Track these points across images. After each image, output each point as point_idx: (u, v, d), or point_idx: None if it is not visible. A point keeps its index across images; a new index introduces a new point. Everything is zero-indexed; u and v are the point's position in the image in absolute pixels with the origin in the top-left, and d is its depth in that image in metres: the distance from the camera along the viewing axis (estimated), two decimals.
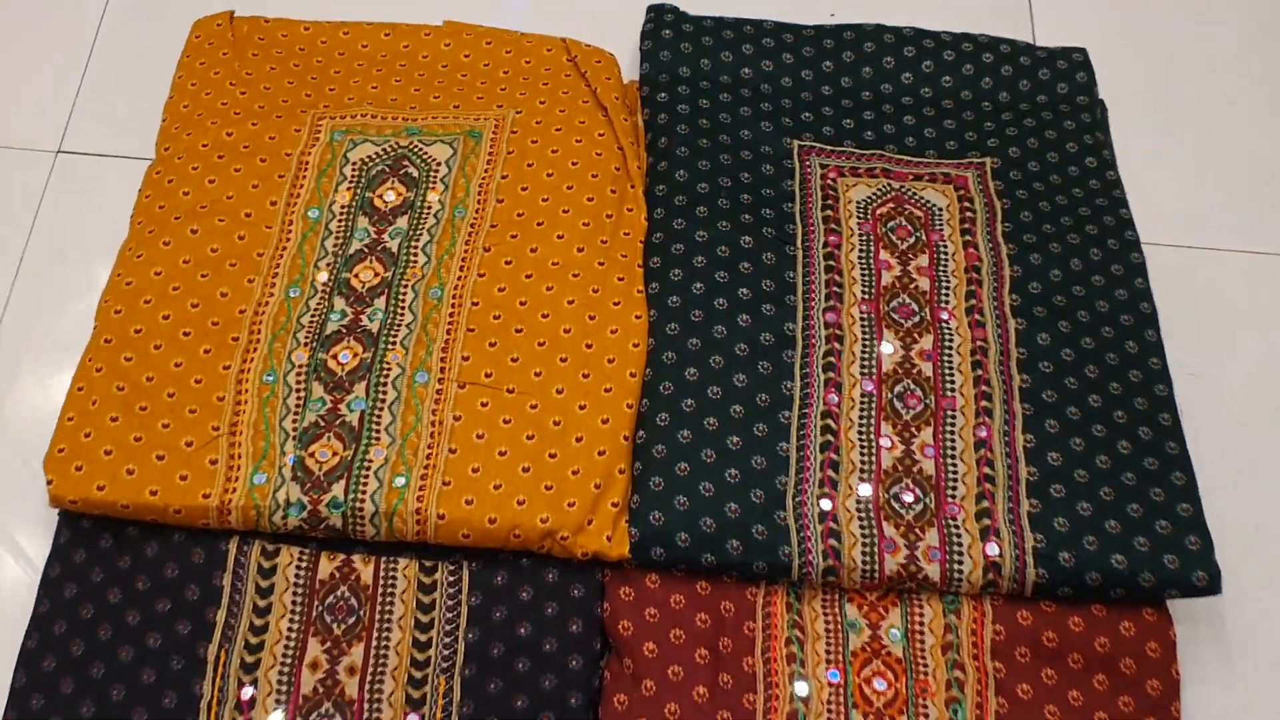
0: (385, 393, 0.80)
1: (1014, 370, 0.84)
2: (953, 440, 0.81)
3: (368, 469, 0.77)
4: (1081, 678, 0.76)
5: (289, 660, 0.74)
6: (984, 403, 0.83)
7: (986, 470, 0.80)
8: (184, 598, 0.75)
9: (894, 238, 0.90)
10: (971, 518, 0.78)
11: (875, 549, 0.76)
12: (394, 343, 0.82)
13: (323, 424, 0.79)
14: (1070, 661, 0.76)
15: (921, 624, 0.77)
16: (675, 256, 0.87)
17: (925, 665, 0.76)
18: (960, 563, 0.76)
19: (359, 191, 0.89)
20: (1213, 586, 0.76)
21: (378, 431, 0.79)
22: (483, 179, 0.90)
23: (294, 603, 0.76)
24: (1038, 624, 0.77)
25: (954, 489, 0.79)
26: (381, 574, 0.77)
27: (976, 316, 0.86)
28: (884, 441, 0.81)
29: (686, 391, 0.81)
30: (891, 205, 0.92)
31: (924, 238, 0.90)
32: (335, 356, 0.82)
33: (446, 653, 0.75)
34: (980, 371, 0.84)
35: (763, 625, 0.77)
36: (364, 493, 0.76)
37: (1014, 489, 0.79)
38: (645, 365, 0.83)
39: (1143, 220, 0.94)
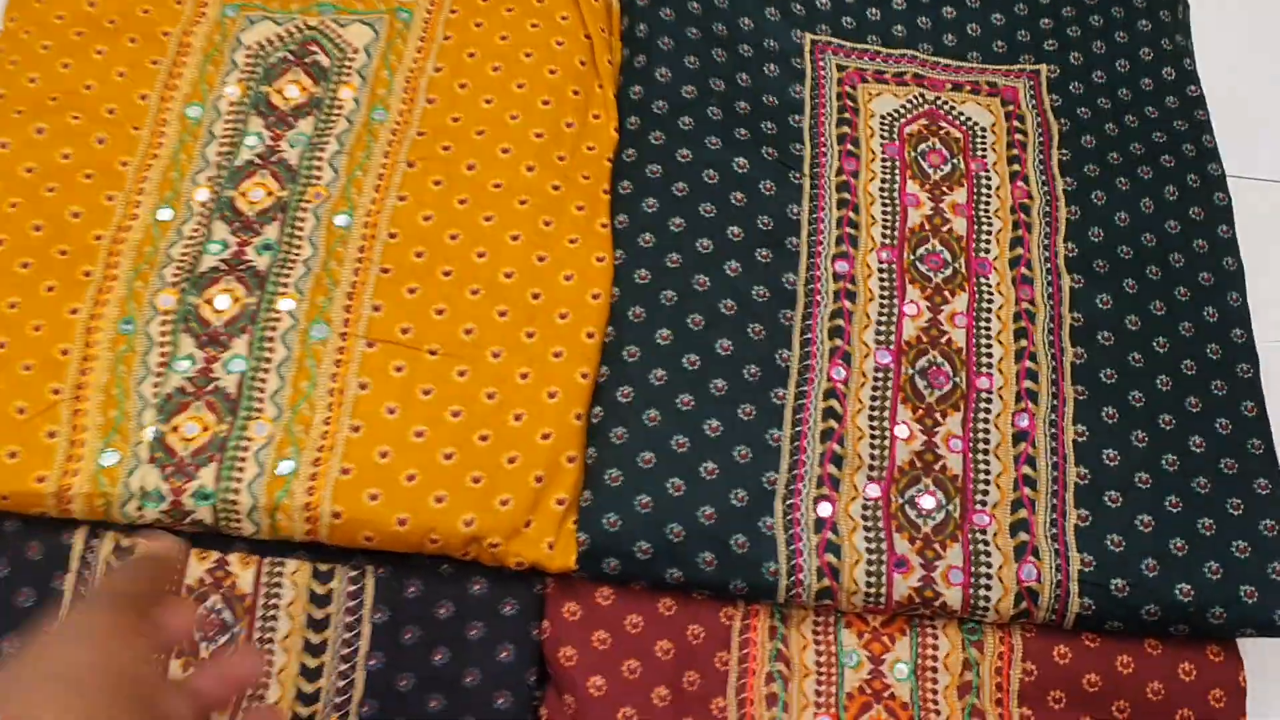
0: (272, 350, 0.63)
1: (1066, 342, 0.67)
2: (986, 431, 0.65)
3: (246, 450, 0.61)
4: None
5: None
6: (1027, 383, 0.66)
7: (1027, 470, 0.64)
8: (15, 604, 0.60)
9: (925, 165, 0.72)
10: (1005, 531, 0.62)
11: (883, 568, 0.61)
12: (286, 285, 0.65)
13: (191, 389, 0.62)
14: (1115, 710, 0.61)
15: (935, 659, 0.62)
16: (651, 181, 0.69)
17: (937, 711, 0.61)
18: (988, 588, 0.61)
19: (253, 85, 0.71)
20: None
21: (261, 401, 0.62)
22: (410, 72, 0.72)
23: None
24: (1077, 662, 0.62)
25: (984, 493, 0.63)
26: (264, 580, 0.61)
27: (1023, 270, 0.69)
28: (900, 430, 0.65)
29: (656, 359, 0.65)
30: (924, 122, 0.74)
31: (962, 166, 0.72)
32: (211, 301, 0.64)
33: (341, 684, 0.60)
34: (1025, 342, 0.67)
35: (738, 658, 0.62)
36: (239, 481, 0.60)
37: (1059, 495, 0.63)
38: (606, 323, 0.66)
39: (1225, 146, 0.76)
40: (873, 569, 0.61)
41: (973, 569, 0.61)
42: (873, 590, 0.60)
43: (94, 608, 0.45)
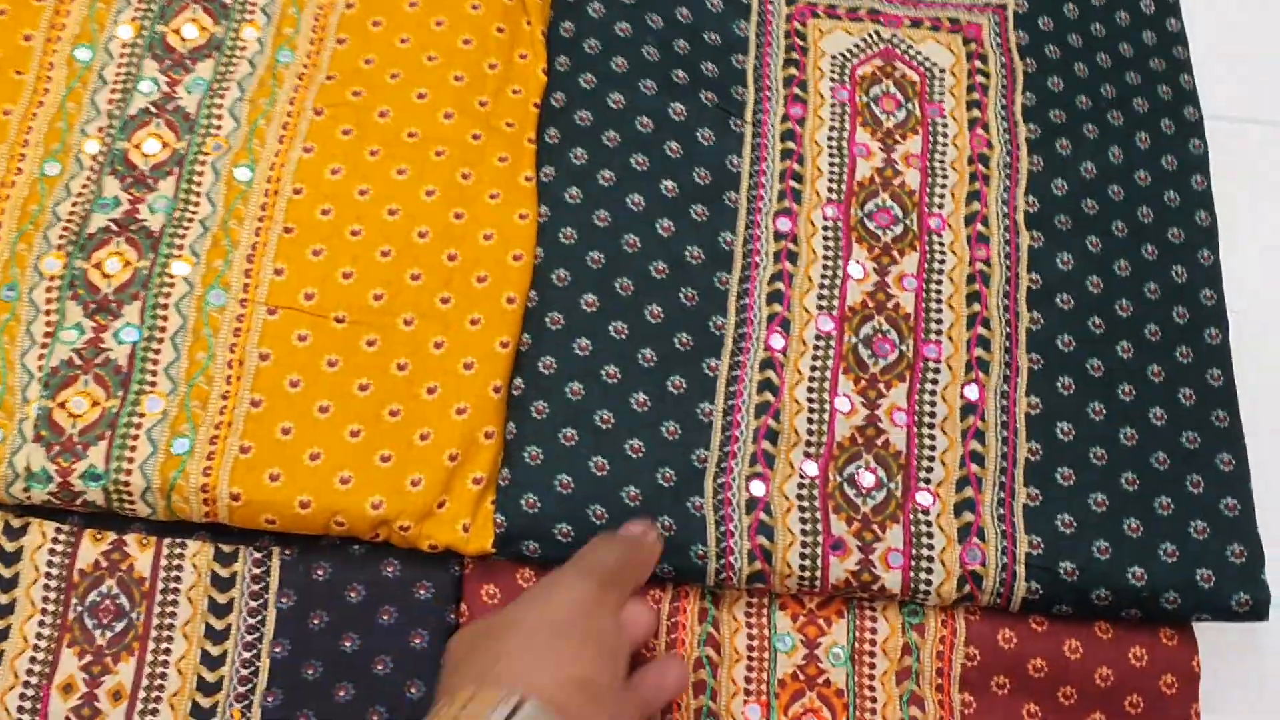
0: (166, 318, 0.59)
1: (1022, 306, 0.63)
2: (932, 403, 0.61)
3: (138, 427, 0.57)
4: (1073, 718, 0.59)
5: (35, 680, 0.56)
6: (979, 351, 0.62)
7: (975, 446, 0.60)
8: None
9: (877, 110, 0.67)
10: (949, 510, 0.59)
11: (818, 550, 0.57)
12: (181, 246, 0.60)
13: (79, 362, 0.58)
14: (1060, 697, 0.59)
15: (873, 643, 0.59)
16: (580, 129, 0.64)
17: (873, 699, 0.58)
18: (929, 571, 0.58)
19: (148, 24, 0.65)
20: (1257, 612, 0.58)
21: (154, 374, 0.58)
22: (320, 9, 0.66)
23: (45, 600, 0.57)
24: (1023, 647, 0.59)
25: (929, 470, 0.60)
26: (163, 562, 0.58)
27: (979, 228, 0.65)
28: (840, 403, 0.61)
29: (581, 327, 0.60)
30: (878, 63, 0.68)
31: (918, 112, 0.67)
32: (100, 266, 0.60)
33: (245, 673, 0.57)
34: (977, 307, 0.63)
35: (666, 643, 0.59)
36: (131, 461, 0.56)
37: (1009, 472, 0.60)
38: (529, 287, 0.61)
39: (1205, 86, 0.71)
40: (807, 551, 0.57)
41: (914, 551, 0.58)
42: (807, 574, 0.57)
43: (573, 576, 0.48)
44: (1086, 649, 0.59)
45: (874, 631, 0.59)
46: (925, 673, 0.59)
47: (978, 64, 0.68)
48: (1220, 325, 0.63)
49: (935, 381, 0.61)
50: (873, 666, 0.59)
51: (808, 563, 0.57)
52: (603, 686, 0.46)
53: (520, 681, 0.43)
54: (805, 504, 0.58)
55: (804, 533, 0.57)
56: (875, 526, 0.58)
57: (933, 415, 0.61)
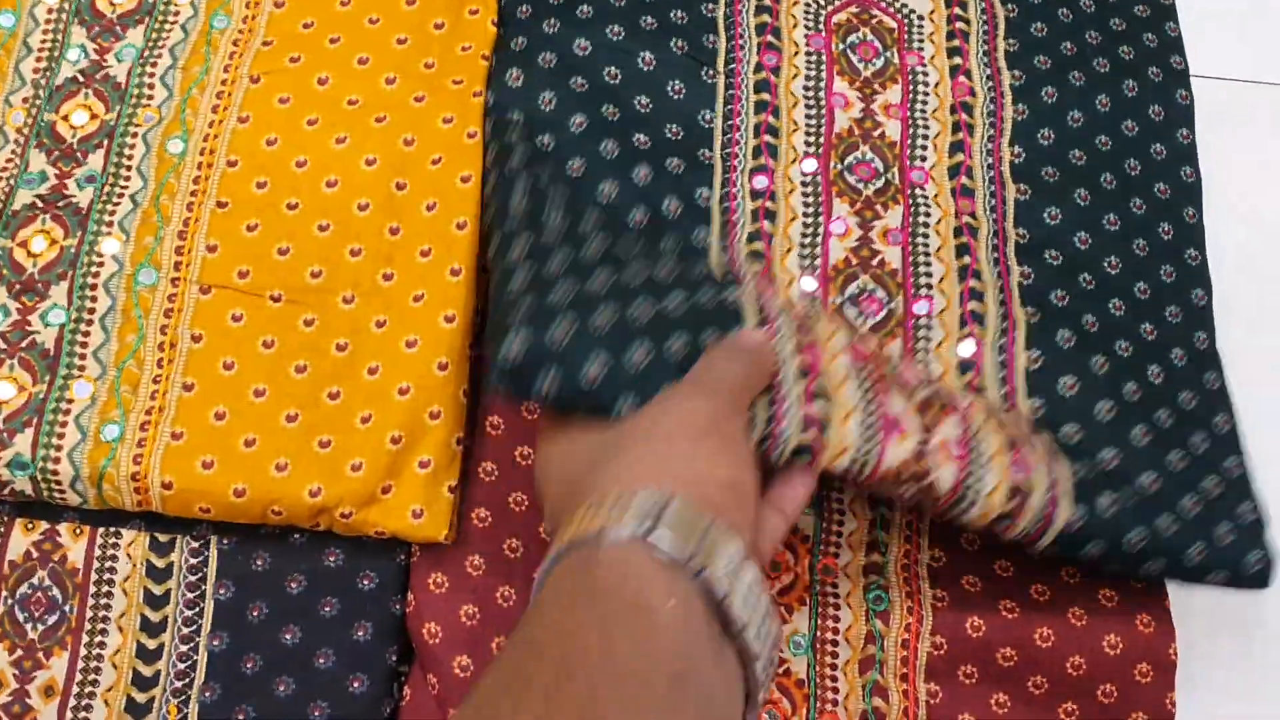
0: (95, 299, 0.56)
1: (1011, 260, 0.59)
2: (926, 362, 0.57)
3: (67, 413, 0.54)
4: (1043, 709, 0.55)
5: None
6: (972, 305, 0.58)
7: None
8: None
9: (854, 59, 0.63)
10: None
11: (875, 427, 0.48)
12: (110, 223, 0.57)
13: (4, 346, 0.55)
14: (1031, 686, 0.55)
15: (835, 631, 0.56)
16: (545, 72, 0.60)
17: (835, 690, 0.56)
18: (981, 478, 0.49)
19: None
20: (1264, 575, 0.53)
21: (82, 358, 0.55)
22: None
23: None
24: (991, 635, 0.55)
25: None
26: (97, 552, 0.56)
27: (963, 180, 0.60)
28: None
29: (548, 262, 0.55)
30: (854, 10, 0.64)
31: (896, 60, 0.63)
32: (26, 244, 0.57)
33: (182, 666, 0.55)
34: (968, 259, 0.59)
35: None
36: (60, 449, 0.53)
37: None
38: (475, 257, 0.58)
39: (1193, 43, 0.66)
40: (868, 425, 0.48)
41: (971, 444, 0.49)
42: (864, 454, 0.47)
43: (697, 389, 0.45)
44: (1058, 637, 0.55)
45: (836, 620, 0.56)
46: (889, 662, 0.56)
47: (957, 10, 0.64)
48: (1205, 287, 0.59)
49: (928, 339, 0.57)
50: (835, 655, 0.56)
51: (868, 438, 0.48)
52: (748, 491, 0.43)
53: (667, 479, 0.40)
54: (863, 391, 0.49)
55: (864, 407, 0.48)
56: (928, 421, 0.51)
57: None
